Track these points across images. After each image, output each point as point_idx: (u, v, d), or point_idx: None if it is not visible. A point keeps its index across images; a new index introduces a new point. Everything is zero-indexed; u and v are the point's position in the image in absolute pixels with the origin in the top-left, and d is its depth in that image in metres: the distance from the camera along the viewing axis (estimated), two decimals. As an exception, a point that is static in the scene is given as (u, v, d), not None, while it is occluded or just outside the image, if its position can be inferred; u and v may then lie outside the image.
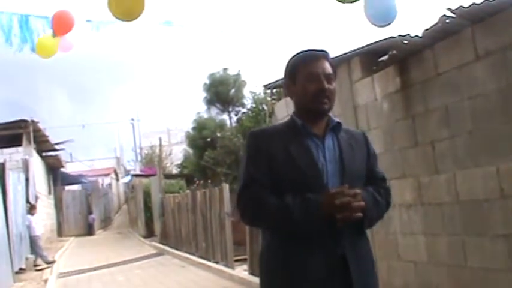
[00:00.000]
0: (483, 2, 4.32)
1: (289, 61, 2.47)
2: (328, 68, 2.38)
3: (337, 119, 2.43)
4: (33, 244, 14.91)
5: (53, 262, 15.14)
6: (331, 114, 2.42)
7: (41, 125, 20.15)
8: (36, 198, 18.44)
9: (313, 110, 2.36)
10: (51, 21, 6.51)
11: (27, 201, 16.00)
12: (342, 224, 2.17)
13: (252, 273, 9.58)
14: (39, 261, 14.82)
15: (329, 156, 2.33)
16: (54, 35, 6.61)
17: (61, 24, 6.51)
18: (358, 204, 2.18)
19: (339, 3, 4.65)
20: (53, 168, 26.85)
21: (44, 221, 20.12)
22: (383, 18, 4.84)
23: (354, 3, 4.71)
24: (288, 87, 2.51)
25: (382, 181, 2.55)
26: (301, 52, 2.45)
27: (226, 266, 11.46)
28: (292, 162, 2.27)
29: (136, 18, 4.90)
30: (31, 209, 15.58)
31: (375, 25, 4.84)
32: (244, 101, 22.75)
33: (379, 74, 5.93)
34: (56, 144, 23.58)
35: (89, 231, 30.19)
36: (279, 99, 8.81)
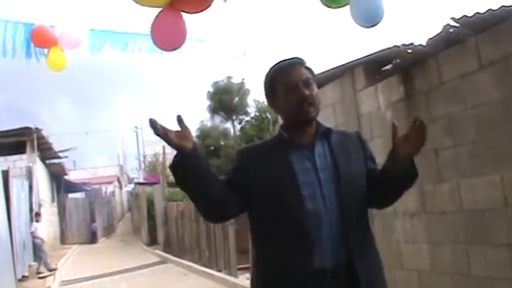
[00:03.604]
0: (487, 11, 4.34)
1: (266, 77, 2.44)
2: (304, 73, 2.34)
3: (326, 125, 2.40)
4: (38, 250, 15.03)
5: (54, 270, 15.16)
6: (329, 123, 2.40)
7: (44, 133, 20.19)
8: (40, 205, 18.46)
9: (300, 120, 2.33)
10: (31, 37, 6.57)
11: (31, 210, 16.05)
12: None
13: (255, 281, 9.56)
14: (42, 268, 14.86)
15: (320, 165, 2.28)
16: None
17: (42, 39, 6.58)
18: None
19: (328, 8, 4.63)
20: (57, 176, 26.86)
21: (47, 228, 20.12)
22: (369, 19, 4.75)
23: (343, 7, 4.67)
24: (270, 102, 2.48)
25: None
26: (275, 65, 2.42)
27: (229, 274, 11.45)
28: (271, 177, 2.24)
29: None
30: (36, 216, 15.72)
31: (361, 26, 4.77)
32: (248, 109, 22.83)
33: (383, 83, 5.94)
34: (60, 151, 23.61)
35: (92, 239, 30.18)
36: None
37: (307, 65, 2.40)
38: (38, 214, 15.98)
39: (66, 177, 29.31)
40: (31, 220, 15.52)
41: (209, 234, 13.47)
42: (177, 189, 24.14)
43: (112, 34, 7.53)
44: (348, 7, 4.65)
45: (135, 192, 32.90)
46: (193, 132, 24.83)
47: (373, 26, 4.69)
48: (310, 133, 2.36)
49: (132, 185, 39.85)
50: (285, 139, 2.34)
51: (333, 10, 4.69)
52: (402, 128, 2.46)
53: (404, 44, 5.38)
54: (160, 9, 4.39)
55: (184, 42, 4.71)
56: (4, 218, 10.81)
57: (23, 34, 6.70)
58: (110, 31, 7.62)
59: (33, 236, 15.16)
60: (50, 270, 14.99)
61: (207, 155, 21.36)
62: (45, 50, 6.77)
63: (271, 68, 2.43)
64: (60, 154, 23.94)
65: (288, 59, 2.41)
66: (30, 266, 14.18)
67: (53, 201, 25.79)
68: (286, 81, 2.32)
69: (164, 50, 4.93)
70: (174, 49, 4.90)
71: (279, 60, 2.42)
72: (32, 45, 6.75)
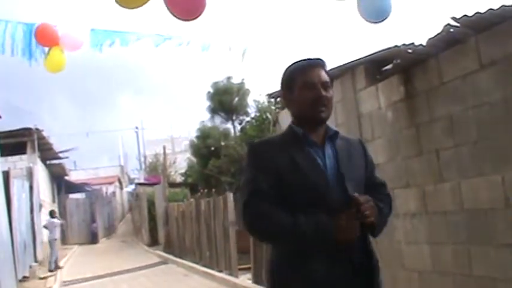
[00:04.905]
0: (487, 11, 4.33)
1: (285, 71, 2.49)
2: (324, 76, 2.39)
3: (335, 128, 2.44)
4: (53, 246, 15.48)
5: (55, 269, 15.25)
6: (329, 123, 2.43)
7: (45, 133, 20.21)
8: (40, 206, 18.49)
9: (312, 119, 2.37)
10: (35, 34, 6.54)
11: (31, 210, 16.17)
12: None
13: (256, 281, 9.57)
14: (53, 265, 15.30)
15: (329, 165, 2.33)
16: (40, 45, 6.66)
17: (45, 37, 6.54)
18: (370, 206, 2.23)
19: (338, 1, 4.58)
20: (57, 176, 26.89)
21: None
22: (377, 14, 4.71)
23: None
24: (285, 97, 2.52)
25: (383, 187, 2.56)
26: (297, 62, 2.46)
27: (230, 274, 11.45)
28: (299, 171, 2.26)
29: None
30: (54, 213, 16.89)
31: (369, 21, 4.72)
32: (248, 109, 22.74)
33: (384, 83, 5.93)
34: (60, 152, 23.62)
35: (93, 239, 30.20)
36: (282, 108, 8.82)
37: (327, 68, 2.44)
38: (54, 212, 17.19)
39: (66, 177, 29.34)
40: (32, 220, 15.66)
41: (210, 234, 13.46)
42: (178, 190, 24.20)
43: (113, 33, 7.54)
44: (351, 5, 4.63)
45: (136, 193, 32.89)
46: (194, 133, 24.88)
47: (381, 21, 4.66)
48: (319, 134, 2.40)
49: (132, 186, 39.78)
50: (300, 136, 2.37)
51: (335, 8, 4.67)
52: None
53: (404, 44, 5.38)
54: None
55: (204, 9, 4.40)
56: (5, 218, 10.80)
57: (22, 34, 6.69)
58: (111, 30, 7.63)
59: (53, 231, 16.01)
60: (51, 270, 15.07)
61: (208, 155, 21.35)
62: (45, 50, 6.76)
63: (292, 64, 2.47)
64: (61, 155, 23.98)
65: (311, 59, 2.45)
66: (31, 267, 14.19)
67: (53, 201, 25.81)
68: (306, 79, 2.37)
69: (181, 19, 4.55)
70: (193, 18, 4.52)
71: (302, 58, 2.46)
72: (32, 46, 6.74)
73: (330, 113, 2.40)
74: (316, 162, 2.31)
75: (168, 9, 4.28)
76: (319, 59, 2.45)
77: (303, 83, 2.37)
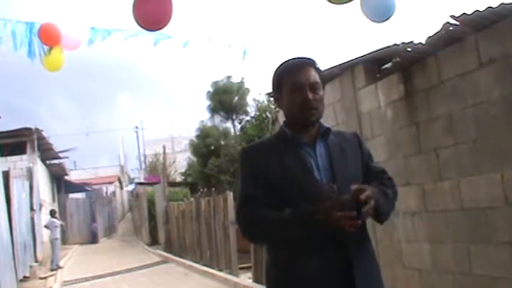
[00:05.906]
0: (486, 9, 4.33)
1: (275, 72, 2.44)
2: (313, 76, 2.33)
3: (327, 125, 2.41)
4: (54, 246, 15.62)
5: (56, 270, 15.27)
6: (329, 122, 2.41)
7: (45, 133, 20.21)
8: (40, 206, 18.49)
9: (301, 121, 2.34)
10: (38, 33, 6.53)
11: (31, 210, 16.16)
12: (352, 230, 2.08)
13: (256, 280, 9.57)
14: (54, 265, 15.37)
15: (322, 164, 2.30)
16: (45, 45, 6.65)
17: (48, 37, 6.53)
18: (369, 207, 2.09)
19: (332, 4, 4.58)
20: (57, 176, 26.88)
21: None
22: (381, 14, 4.71)
23: (346, 3, 4.63)
24: (275, 98, 2.50)
25: (383, 173, 2.53)
26: (286, 61, 2.41)
27: (230, 273, 11.46)
28: (288, 173, 2.24)
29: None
30: (54, 213, 17.12)
31: (373, 21, 4.73)
32: (248, 108, 22.80)
33: (383, 81, 5.93)
34: (60, 152, 23.61)
35: (93, 239, 30.20)
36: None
37: (317, 66, 2.39)
38: (54, 211, 17.47)
39: (66, 177, 29.33)
40: (32, 220, 15.67)
41: (210, 234, 13.46)
42: (178, 189, 24.20)
43: (112, 31, 7.55)
44: (351, 4, 4.62)
45: (136, 192, 32.90)
46: (194, 132, 24.92)
47: (385, 20, 4.66)
48: (312, 133, 2.37)
49: (132, 185, 39.77)
50: (289, 137, 2.35)
51: (334, 8, 4.68)
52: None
53: (404, 43, 5.38)
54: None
55: (169, 21, 4.47)
56: (5, 218, 10.80)
57: (22, 33, 6.69)
58: (110, 29, 7.64)
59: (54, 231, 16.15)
60: (53, 269, 15.11)
61: (208, 155, 21.36)
62: (45, 50, 6.75)
63: (281, 64, 2.42)
64: (61, 154, 23.96)
65: (300, 58, 2.40)
66: (31, 267, 14.20)
67: (53, 201, 25.79)
68: (293, 81, 2.32)
69: (147, 29, 4.68)
70: (158, 28, 4.67)
71: (291, 58, 2.42)
72: (32, 45, 6.74)
73: (321, 114, 2.36)
74: (306, 163, 2.28)
75: (136, 19, 4.35)
76: (308, 58, 2.41)
77: (291, 84, 2.33)
